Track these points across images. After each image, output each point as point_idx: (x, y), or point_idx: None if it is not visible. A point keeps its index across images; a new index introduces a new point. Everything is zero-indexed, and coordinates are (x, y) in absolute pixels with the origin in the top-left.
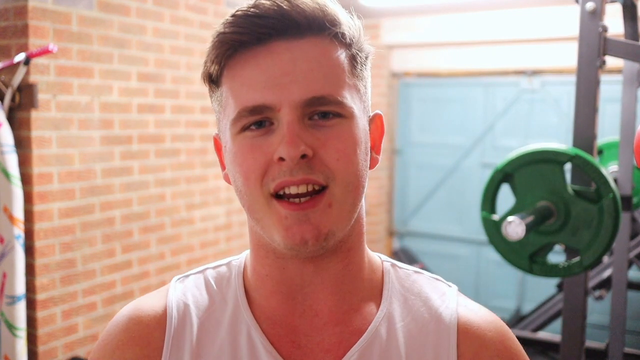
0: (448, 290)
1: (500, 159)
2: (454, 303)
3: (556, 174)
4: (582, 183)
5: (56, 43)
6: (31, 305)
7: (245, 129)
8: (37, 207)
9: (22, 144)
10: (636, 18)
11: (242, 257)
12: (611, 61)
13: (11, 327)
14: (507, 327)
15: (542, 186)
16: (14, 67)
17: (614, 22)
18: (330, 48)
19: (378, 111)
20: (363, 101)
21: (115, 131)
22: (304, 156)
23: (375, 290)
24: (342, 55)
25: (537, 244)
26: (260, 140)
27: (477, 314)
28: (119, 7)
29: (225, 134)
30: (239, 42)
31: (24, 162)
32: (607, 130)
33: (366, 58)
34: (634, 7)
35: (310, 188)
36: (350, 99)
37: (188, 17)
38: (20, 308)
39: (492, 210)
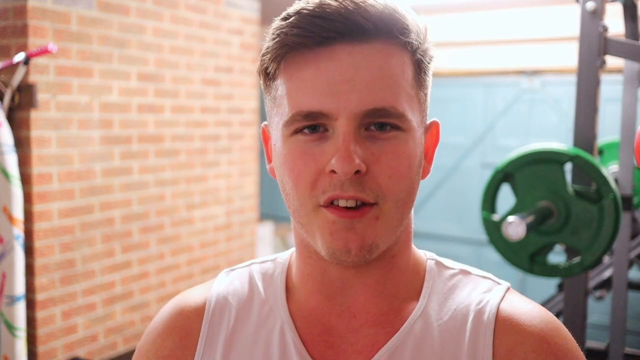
0: (496, 287)
1: (501, 159)
2: (497, 298)
3: (556, 174)
4: (583, 183)
5: (56, 43)
6: (31, 305)
7: (297, 131)
8: (37, 207)
9: (22, 144)
10: (636, 18)
11: (288, 254)
12: (611, 61)
13: (11, 328)
14: (557, 324)
15: (543, 186)
16: (13, 67)
17: (615, 22)
18: (395, 55)
19: (435, 119)
20: (422, 111)
21: (115, 131)
22: (357, 172)
23: (415, 290)
24: (406, 62)
25: (537, 244)
26: (312, 147)
27: (522, 309)
28: (119, 7)
29: (275, 131)
30: (300, 44)
31: (24, 162)
32: (608, 130)
33: (429, 62)
34: (634, 6)
35: (359, 203)
36: (410, 112)
37: (188, 17)
38: (20, 308)
39: (493, 210)
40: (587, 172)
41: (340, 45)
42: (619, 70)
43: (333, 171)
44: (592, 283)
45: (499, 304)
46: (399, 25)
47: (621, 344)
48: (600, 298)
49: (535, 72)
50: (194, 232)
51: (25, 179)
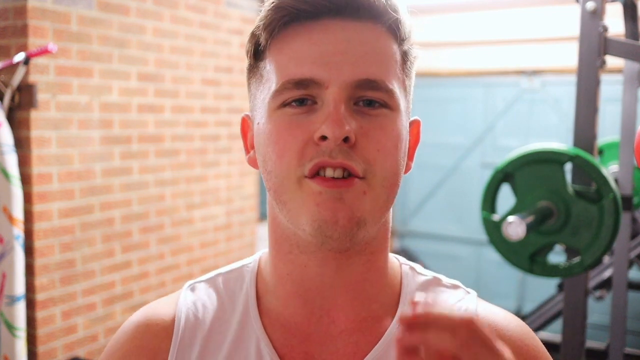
0: (467, 296)
1: (501, 159)
2: (473, 305)
3: (557, 174)
4: (583, 183)
5: (56, 43)
6: (31, 305)
7: (285, 104)
8: (37, 207)
9: (22, 144)
10: (636, 18)
11: (256, 259)
12: (611, 61)
13: (11, 328)
14: (528, 328)
15: (543, 186)
16: (13, 67)
17: (615, 22)
18: (386, 37)
19: (417, 117)
20: (407, 100)
21: (115, 131)
22: (346, 139)
23: (393, 296)
24: (395, 47)
25: (537, 244)
26: (300, 118)
27: (498, 314)
28: (119, 7)
29: (260, 110)
30: (296, 10)
31: (24, 162)
32: (608, 130)
33: (415, 58)
34: (634, 6)
35: (346, 174)
36: (398, 92)
37: (188, 17)
38: (20, 308)
39: (493, 210)
40: (587, 172)
41: (333, 20)
42: (619, 70)
43: (322, 138)
44: (592, 283)
45: (476, 310)
46: (390, 11)
47: (621, 344)
48: (600, 298)
49: (535, 72)
50: (194, 232)
51: (25, 179)
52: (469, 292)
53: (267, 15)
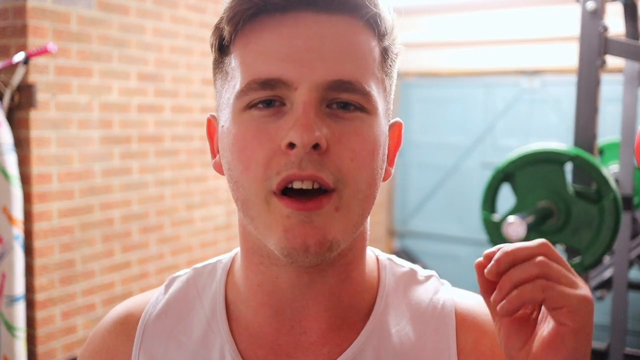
0: (441, 287)
1: (501, 159)
2: (449, 295)
3: (557, 174)
4: (583, 183)
5: (55, 43)
6: (30, 305)
7: (251, 106)
8: (37, 207)
9: (22, 144)
10: (637, 17)
11: (231, 256)
12: (612, 61)
13: (10, 328)
14: None
15: (543, 186)
16: (13, 67)
17: (615, 22)
18: (364, 32)
19: (398, 119)
20: (387, 102)
21: (115, 131)
22: (316, 146)
23: (369, 299)
24: (374, 43)
25: None
26: (267, 122)
27: (474, 303)
28: (119, 7)
29: (224, 111)
30: (264, 2)
31: (23, 162)
32: (608, 130)
33: (396, 55)
34: (634, 6)
35: (316, 186)
36: (376, 94)
37: (188, 17)
38: (20, 308)
39: (493, 210)
40: (587, 172)
41: (305, 13)
42: (619, 70)
43: (289, 145)
44: (593, 283)
45: (453, 300)
46: (369, 4)
47: (621, 344)
48: (600, 298)
49: (535, 72)
50: (193, 232)
51: (25, 179)
52: (442, 284)
53: (232, 6)
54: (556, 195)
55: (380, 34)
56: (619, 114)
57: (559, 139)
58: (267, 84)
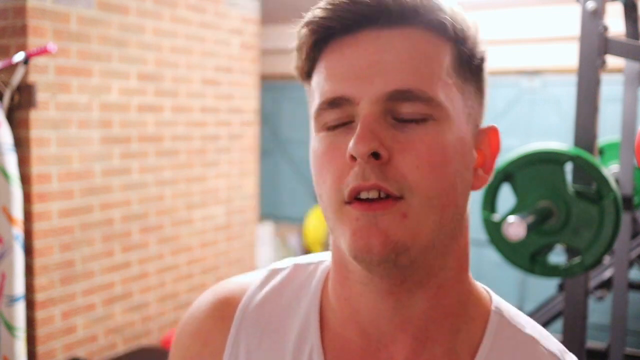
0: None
1: (501, 159)
2: None
3: (557, 174)
4: (583, 183)
5: (55, 42)
6: (30, 305)
7: (327, 128)
8: (36, 207)
9: (21, 144)
10: (637, 17)
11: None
12: (612, 61)
13: (10, 328)
14: None
15: (543, 186)
16: (13, 67)
17: (615, 22)
18: (427, 40)
19: (493, 125)
20: (469, 107)
21: (115, 131)
22: (377, 156)
23: (470, 344)
24: (441, 48)
25: (537, 244)
26: (339, 139)
27: None
28: (118, 7)
29: (312, 129)
30: (326, 29)
31: (23, 162)
32: (608, 130)
33: (480, 59)
34: (634, 6)
35: (383, 195)
36: (445, 98)
37: (187, 17)
38: (19, 308)
39: (493, 210)
40: (587, 172)
41: (366, 31)
42: (619, 70)
43: (351, 158)
44: (593, 283)
45: None
46: (428, 8)
47: (622, 344)
48: (600, 298)
49: (535, 72)
50: (193, 232)
51: (25, 179)
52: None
53: (303, 44)
54: (556, 195)
55: (449, 39)
56: (619, 114)
57: (559, 139)
58: (334, 102)
